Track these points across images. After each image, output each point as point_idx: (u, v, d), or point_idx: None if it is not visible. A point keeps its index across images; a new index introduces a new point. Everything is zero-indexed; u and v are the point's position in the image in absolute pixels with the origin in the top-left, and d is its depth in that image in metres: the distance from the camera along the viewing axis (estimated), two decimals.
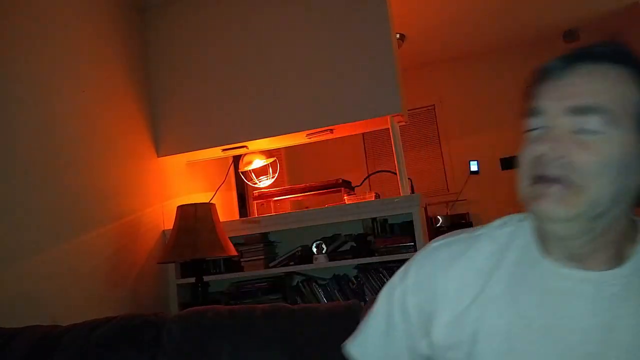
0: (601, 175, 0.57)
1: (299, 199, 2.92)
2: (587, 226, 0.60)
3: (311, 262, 2.46)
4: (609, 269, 0.62)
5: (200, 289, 2.31)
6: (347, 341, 0.78)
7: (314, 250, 2.46)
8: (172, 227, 2.32)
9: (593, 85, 0.60)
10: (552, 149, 0.59)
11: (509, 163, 4.59)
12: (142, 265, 2.44)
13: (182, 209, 2.30)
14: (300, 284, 2.50)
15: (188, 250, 2.20)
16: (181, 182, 2.90)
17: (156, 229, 2.60)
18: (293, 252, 2.55)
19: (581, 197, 0.58)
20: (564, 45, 4.33)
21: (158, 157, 2.73)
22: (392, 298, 0.75)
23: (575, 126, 0.59)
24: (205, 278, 2.42)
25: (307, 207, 3.13)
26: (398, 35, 3.84)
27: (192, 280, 2.33)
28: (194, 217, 2.25)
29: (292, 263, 2.52)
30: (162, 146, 2.75)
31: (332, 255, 2.47)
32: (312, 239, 2.50)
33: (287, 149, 3.82)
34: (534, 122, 0.63)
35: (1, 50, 1.84)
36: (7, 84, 1.84)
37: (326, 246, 2.46)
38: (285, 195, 2.81)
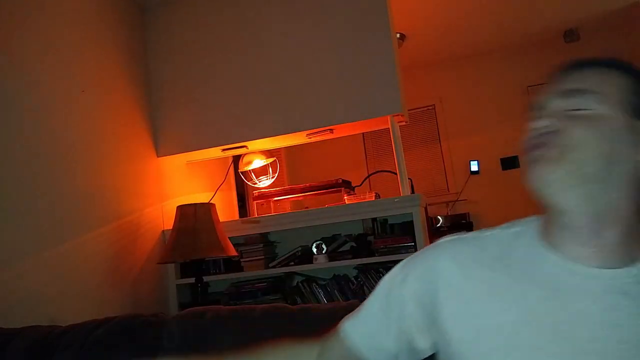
0: (591, 140, 0.62)
1: (299, 199, 2.92)
2: (585, 193, 0.62)
3: (311, 262, 2.46)
4: (618, 268, 0.62)
5: (199, 289, 2.30)
6: (346, 316, 0.79)
7: (314, 250, 2.46)
8: (171, 227, 2.32)
9: (588, 76, 0.67)
10: (548, 123, 0.65)
11: (509, 163, 4.59)
12: (141, 266, 2.44)
13: (181, 209, 2.30)
14: (300, 284, 2.50)
15: (188, 250, 2.20)
16: (181, 182, 2.90)
17: (156, 229, 2.60)
18: (293, 252, 2.54)
19: (571, 155, 0.62)
20: (564, 45, 4.33)
21: (158, 157, 2.73)
22: (392, 284, 0.75)
23: (568, 106, 0.65)
24: (205, 278, 2.42)
25: (307, 207, 3.13)
26: (398, 35, 3.84)
27: (192, 280, 2.33)
28: (193, 217, 2.25)
29: (292, 263, 2.52)
30: (162, 146, 2.75)
31: (332, 256, 2.47)
32: (312, 239, 2.50)
33: (287, 149, 3.82)
34: (534, 111, 0.69)
35: (0, 50, 1.84)
36: (6, 84, 1.84)
37: (326, 246, 2.46)
38: (285, 195, 2.81)
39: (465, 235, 0.75)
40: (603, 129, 0.62)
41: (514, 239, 0.70)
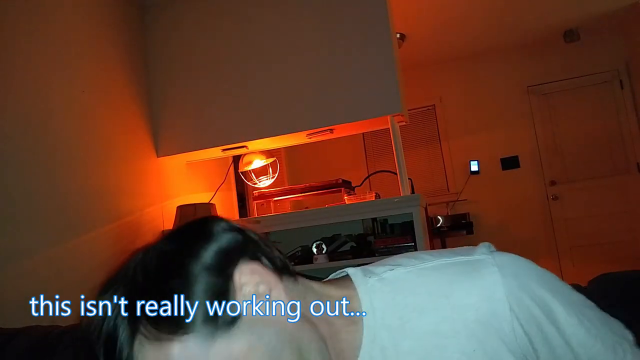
0: None
1: (299, 199, 2.92)
2: None
3: (311, 262, 2.46)
4: None
5: None
6: None
7: (314, 250, 2.46)
8: (171, 228, 2.32)
9: None
10: None
11: (509, 163, 4.60)
12: None
13: (181, 209, 2.30)
14: None
15: None
16: (181, 182, 2.90)
17: (156, 229, 2.60)
18: (293, 252, 2.54)
19: None
20: (564, 45, 4.33)
21: (158, 157, 2.73)
22: None
23: None
24: None
25: (307, 207, 3.13)
26: (398, 35, 3.84)
27: None
28: (193, 217, 2.24)
29: (292, 263, 2.50)
30: (162, 146, 2.75)
31: (332, 256, 2.47)
32: (312, 239, 2.49)
33: (287, 149, 3.82)
34: None
35: (0, 50, 1.84)
36: (6, 83, 1.84)
37: (326, 246, 2.46)
38: (285, 195, 2.80)
39: None
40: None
41: None
